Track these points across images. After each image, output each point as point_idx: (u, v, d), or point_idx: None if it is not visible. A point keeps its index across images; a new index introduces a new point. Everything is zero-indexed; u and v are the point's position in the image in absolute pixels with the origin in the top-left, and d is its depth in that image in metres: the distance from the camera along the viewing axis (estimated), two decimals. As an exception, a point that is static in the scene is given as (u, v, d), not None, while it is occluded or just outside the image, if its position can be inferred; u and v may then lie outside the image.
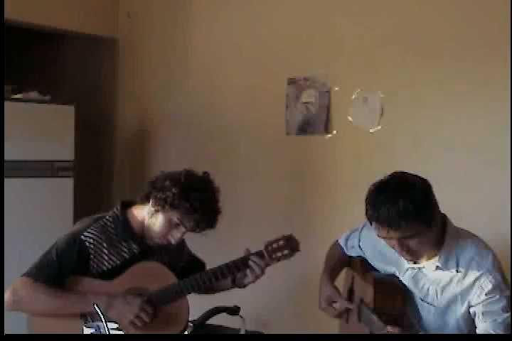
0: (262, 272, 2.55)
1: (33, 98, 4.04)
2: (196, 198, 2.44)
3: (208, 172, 2.57)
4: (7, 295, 2.44)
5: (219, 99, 4.14)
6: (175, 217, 2.47)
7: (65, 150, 4.10)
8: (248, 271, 2.55)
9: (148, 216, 2.52)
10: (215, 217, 2.51)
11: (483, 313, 2.23)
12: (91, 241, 2.48)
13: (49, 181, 4.05)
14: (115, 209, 2.60)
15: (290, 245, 2.56)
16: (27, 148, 3.94)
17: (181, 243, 2.70)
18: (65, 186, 4.11)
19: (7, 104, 3.77)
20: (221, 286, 2.71)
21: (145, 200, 2.55)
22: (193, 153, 4.22)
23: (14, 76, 4.31)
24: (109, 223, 2.55)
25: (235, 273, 2.56)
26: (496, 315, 2.20)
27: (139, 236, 2.56)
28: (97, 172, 4.71)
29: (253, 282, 2.59)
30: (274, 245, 2.55)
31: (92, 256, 2.48)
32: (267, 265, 2.56)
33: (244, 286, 2.63)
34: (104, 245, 2.50)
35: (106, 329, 1.98)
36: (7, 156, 3.75)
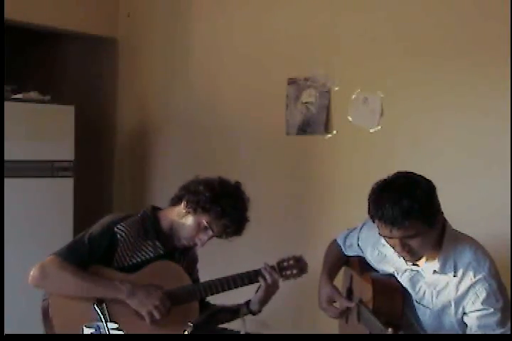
0: (274, 283, 2.59)
1: (33, 98, 4.04)
2: (227, 204, 2.51)
3: (240, 182, 2.64)
4: (34, 271, 2.43)
5: (219, 100, 4.14)
6: (204, 220, 2.52)
7: (65, 150, 4.10)
8: (261, 280, 2.58)
9: (178, 217, 2.57)
10: (243, 225, 2.58)
11: (478, 326, 2.19)
12: (122, 234, 2.51)
13: (49, 181, 4.05)
14: (145, 209, 2.64)
15: (299, 266, 2.64)
16: (27, 148, 3.94)
17: (195, 255, 2.76)
18: (65, 186, 4.11)
19: (7, 104, 3.77)
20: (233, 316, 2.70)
21: (176, 202, 2.60)
22: (193, 153, 4.22)
23: (14, 76, 4.31)
24: (140, 221, 2.58)
25: (247, 283, 2.59)
26: (491, 330, 2.17)
27: (166, 236, 2.59)
28: (97, 172, 4.71)
29: (266, 301, 2.62)
30: (285, 263, 2.63)
31: (118, 249, 2.51)
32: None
33: (259, 311, 2.64)
34: (132, 241, 2.53)
35: (106, 329, 1.98)
36: (7, 156, 3.76)
